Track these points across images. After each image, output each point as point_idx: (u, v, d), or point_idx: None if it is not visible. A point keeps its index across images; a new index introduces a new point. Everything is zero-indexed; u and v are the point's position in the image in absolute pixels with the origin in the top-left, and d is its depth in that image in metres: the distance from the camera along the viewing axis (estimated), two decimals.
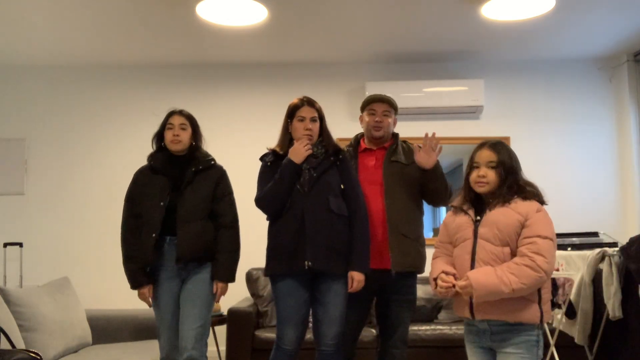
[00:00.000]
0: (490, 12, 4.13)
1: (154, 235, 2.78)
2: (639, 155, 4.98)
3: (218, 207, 2.90)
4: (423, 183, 2.90)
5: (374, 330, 4.03)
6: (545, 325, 3.63)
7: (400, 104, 3.17)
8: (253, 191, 2.78)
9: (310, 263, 2.61)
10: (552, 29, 4.49)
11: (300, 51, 4.95)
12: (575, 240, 3.91)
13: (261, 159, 2.87)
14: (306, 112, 2.77)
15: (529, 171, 2.33)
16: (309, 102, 2.80)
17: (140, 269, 2.83)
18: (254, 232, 3.63)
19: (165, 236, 2.82)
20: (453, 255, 2.30)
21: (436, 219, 5.13)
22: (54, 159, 5.22)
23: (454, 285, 2.18)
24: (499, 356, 2.19)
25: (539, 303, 2.16)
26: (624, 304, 3.18)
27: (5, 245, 4.87)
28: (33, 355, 2.23)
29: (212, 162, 2.98)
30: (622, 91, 5.11)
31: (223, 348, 4.41)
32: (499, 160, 2.23)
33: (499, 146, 2.28)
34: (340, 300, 2.69)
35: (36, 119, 5.25)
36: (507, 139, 5.07)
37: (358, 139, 3.09)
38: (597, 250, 3.39)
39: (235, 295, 4.38)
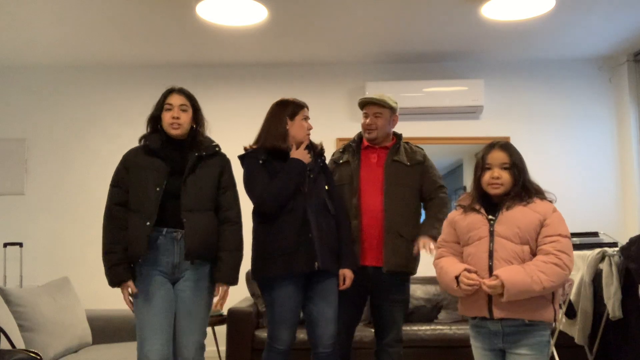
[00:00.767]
0: (490, 12, 4.13)
1: (148, 223, 2.41)
2: (639, 155, 4.98)
3: (222, 199, 2.61)
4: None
5: (373, 331, 4.02)
6: None
7: (400, 104, 3.18)
8: None
9: (319, 264, 2.62)
10: (552, 29, 4.49)
11: (300, 51, 4.95)
12: (575, 240, 3.90)
13: (247, 156, 2.76)
14: (307, 112, 2.84)
15: (529, 171, 2.32)
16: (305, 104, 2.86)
17: (124, 263, 2.45)
18: None
19: (161, 227, 2.47)
20: (464, 254, 2.27)
21: None
22: (54, 159, 5.22)
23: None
24: (510, 357, 2.18)
25: (553, 302, 2.18)
26: (624, 304, 3.19)
27: (5, 245, 4.88)
28: (33, 355, 2.21)
29: (217, 149, 2.69)
30: (622, 91, 5.10)
31: (223, 348, 4.40)
32: (512, 162, 2.23)
33: (511, 147, 2.28)
34: (335, 299, 2.72)
35: (36, 119, 5.25)
36: (507, 139, 5.05)
37: (361, 135, 3.11)
38: (597, 250, 3.40)
39: (236, 295, 4.37)
